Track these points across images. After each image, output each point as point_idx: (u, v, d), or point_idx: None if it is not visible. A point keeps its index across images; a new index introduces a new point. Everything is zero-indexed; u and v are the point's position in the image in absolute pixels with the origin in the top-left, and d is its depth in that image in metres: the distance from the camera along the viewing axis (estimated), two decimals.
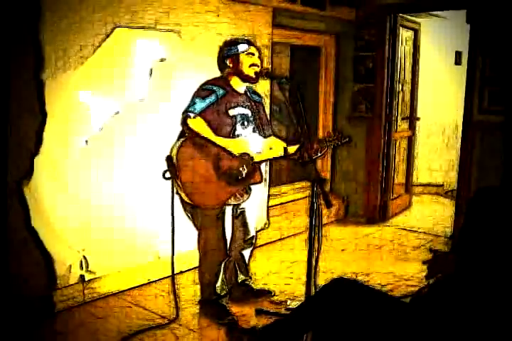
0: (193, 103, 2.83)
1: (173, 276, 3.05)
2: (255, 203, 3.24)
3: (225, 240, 3.00)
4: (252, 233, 3.21)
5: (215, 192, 2.89)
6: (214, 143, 2.83)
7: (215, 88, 2.87)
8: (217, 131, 2.85)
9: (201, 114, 2.81)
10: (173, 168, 2.81)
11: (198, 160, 2.84)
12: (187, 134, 2.85)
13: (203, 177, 2.85)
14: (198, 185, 2.85)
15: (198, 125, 2.80)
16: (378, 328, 2.01)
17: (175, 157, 2.80)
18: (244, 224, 3.16)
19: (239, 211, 3.10)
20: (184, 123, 2.80)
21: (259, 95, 3.16)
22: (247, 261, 3.28)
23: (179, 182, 2.84)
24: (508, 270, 1.80)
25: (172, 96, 3.46)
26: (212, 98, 2.84)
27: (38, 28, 2.83)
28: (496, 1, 4.07)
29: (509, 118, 4.00)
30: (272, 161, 3.34)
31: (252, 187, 3.09)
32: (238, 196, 2.99)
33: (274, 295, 3.35)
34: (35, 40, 2.85)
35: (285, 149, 2.99)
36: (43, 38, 2.86)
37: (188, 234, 3.06)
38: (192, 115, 2.78)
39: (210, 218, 2.95)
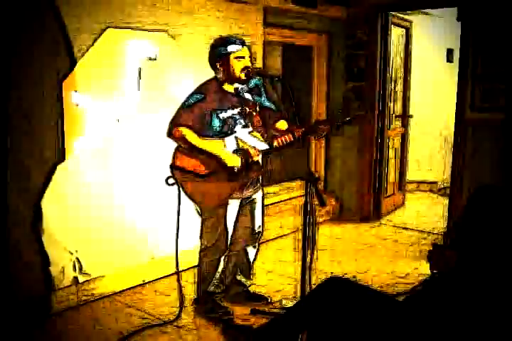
0: (178, 112, 2.86)
1: (178, 274, 3.06)
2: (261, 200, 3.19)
3: (227, 232, 2.99)
4: (258, 229, 3.16)
5: (215, 191, 2.90)
6: (202, 150, 2.84)
7: (197, 96, 2.87)
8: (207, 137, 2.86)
9: (188, 122, 2.82)
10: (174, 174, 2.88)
11: (193, 163, 2.87)
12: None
13: (200, 179, 2.88)
14: (198, 188, 2.89)
15: (183, 134, 2.82)
16: (373, 327, 2.01)
17: (172, 163, 2.88)
18: (252, 217, 3.11)
19: (247, 201, 3.07)
20: (169, 133, 2.86)
21: (254, 93, 3.04)
22: (251, 264, 3.23)
23: (181, 187, 2.90)
24: (505, 268, 1.80)
25: (162, 96, 3.45)
26: (196, 104, 2.84)
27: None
28: None
29: (510, 116, 3.99)
30: (265, 159, 3.28)
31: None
32: (243, 190, 2.98)
33: (269, 301, 3.26)
34: None
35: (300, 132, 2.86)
36: None
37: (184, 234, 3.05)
38: (176, 125, 2.83)
39: (213, 211, 2.96)
